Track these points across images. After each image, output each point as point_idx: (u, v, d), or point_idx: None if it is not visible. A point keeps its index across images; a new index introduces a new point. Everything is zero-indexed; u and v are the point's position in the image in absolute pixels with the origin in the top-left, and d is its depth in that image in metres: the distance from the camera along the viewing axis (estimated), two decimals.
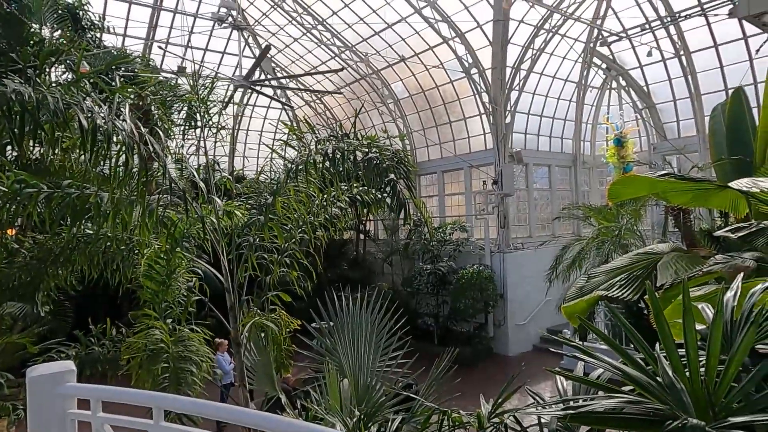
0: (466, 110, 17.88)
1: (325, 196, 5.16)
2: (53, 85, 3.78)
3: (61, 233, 5.74)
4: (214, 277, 5.82)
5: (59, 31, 10.42)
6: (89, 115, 3.01)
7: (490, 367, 14.30)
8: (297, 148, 4.74)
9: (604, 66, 17.74)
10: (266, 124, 22.64)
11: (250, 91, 13.73)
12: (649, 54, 15.62)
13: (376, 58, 18.59)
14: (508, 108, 15.73)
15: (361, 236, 20.01)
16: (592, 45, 16.98)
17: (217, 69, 18.98)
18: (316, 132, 4.68)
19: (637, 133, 17.40)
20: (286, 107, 22.73)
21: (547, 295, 13.06)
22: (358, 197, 5.15)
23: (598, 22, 16.01)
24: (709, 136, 7.37)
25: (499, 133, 15.80)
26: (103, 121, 3.32)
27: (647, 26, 15.05)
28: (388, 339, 4.66)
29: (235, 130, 20.48)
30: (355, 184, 5.26)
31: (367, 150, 4.22)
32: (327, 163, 4.36)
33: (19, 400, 6.18)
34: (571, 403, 1.80)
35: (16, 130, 2.64)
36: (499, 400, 3.59)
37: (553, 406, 1.71)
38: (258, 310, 6.10)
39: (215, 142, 5.85)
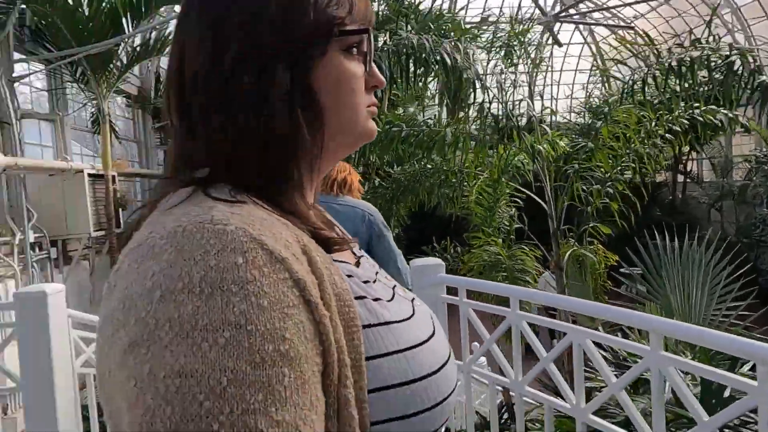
0: None
1: (658, 120, 4.77)
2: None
3: (407, 168, 7.12)
4: (533, 210, 6.23)
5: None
6: (451, 54, 3.63)
7: None
8: (629, 65, 4.51)
9: None
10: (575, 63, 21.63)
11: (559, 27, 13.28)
12: None
13: None
14: None
15: (680, 178, 17.50)
16: None
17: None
18: (655, 44, 4.31)
19: None
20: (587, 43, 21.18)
21: None
22: (700, 117, 4.57)
23: None
24: None
25: None
26: (456, 61, 3.91)
27: None
28: (725, 287, 4.23)
29: (547, 68, 20.35)
30: (695, 104, 4.66)
31: (728, 53, 3.66)
32: (668, 80, 4.02)
33: None
34: None
35: (403, 71, 3.45)
36: None
37: None
38: (576, 242, 6.24)
39: (533, 77, 6.09)
